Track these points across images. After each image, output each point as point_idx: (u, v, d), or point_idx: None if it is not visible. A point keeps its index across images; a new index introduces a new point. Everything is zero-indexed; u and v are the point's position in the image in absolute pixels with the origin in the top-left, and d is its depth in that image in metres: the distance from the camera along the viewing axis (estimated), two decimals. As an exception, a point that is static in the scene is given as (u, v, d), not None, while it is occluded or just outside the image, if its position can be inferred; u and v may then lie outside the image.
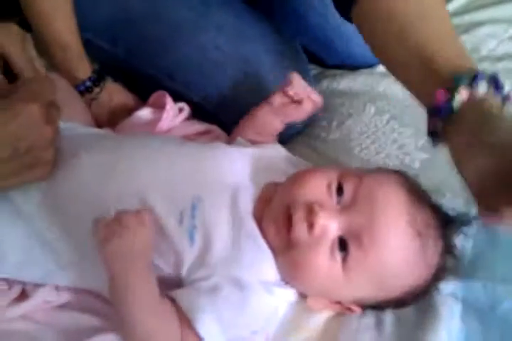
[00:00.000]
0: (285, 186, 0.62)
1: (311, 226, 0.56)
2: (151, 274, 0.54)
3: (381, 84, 0.90)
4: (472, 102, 0.50)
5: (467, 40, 0.97)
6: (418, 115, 0.76)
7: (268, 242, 0.59)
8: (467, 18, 1.02)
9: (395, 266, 0.57)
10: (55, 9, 0.77)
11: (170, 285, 0.59)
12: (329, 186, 0.59)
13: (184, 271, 0.58)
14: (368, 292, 0.59)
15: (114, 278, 0.53)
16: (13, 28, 0.68)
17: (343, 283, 0.58)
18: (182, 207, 0.59)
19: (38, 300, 0.61)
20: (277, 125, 0.74)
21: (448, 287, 0.62)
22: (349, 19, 0.68)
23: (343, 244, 0.57)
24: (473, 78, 0.50)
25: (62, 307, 0.62)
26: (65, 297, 0.62)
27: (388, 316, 0.62)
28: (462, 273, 0.64)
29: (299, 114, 0.72)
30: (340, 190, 0.59)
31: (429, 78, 0.55)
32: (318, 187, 0.59)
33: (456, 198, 0.69)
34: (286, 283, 0.60)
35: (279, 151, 0.71)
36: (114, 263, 0.53)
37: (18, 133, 0.53)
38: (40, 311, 0.61)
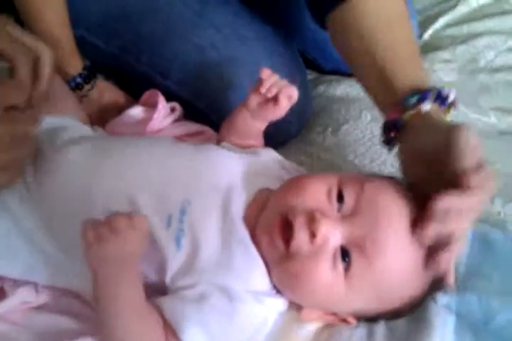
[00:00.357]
0: (281, 193, 0.59)
1: (312, 235, 0.54)
2: (138, 280, 0.52)
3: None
4: (418, 117, 0.60)
5: (465, 50, 0.97)
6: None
7: (261, 249, 0.56)
8: (466, 29, 1.02)
9: (398, 277, 0.55)
10: (46, 1, 0.75)
11: (155, 292, 0.56)
12: (329, 193, 0.57)
13: (168, 278, 0.56)
14: (369, 303, 0.57)
15: (98, 283, 0.51)
16: None
17: (345, 294, 0.55)
18: (171, 210, 0.57)
19: (15, 300, 0.58)
20: (259, 126, 0.70)
21: (443, 299, 0.61)
22: (323, 26, 0.74)
23: (344, 254, 0.55)
24: (420, 97, 0.61)
25: (40, 308, 0.59)
26: (43, 298, 0.59)
27: (380, 327, 0.60)
28: (457, 285, 0.62)
29: (276, 112, 0.67)
30: (340, 197, 0.57)
31: (387, 93, 0.65)
32: (317, 194, 0.56)
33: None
34: (277, 292, 0.58)
35: (272, 156, 0.69)
36: (100, 268, 0.50)
37: None
38: (18, 312, 0.58)
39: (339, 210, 0.56)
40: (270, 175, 0.63)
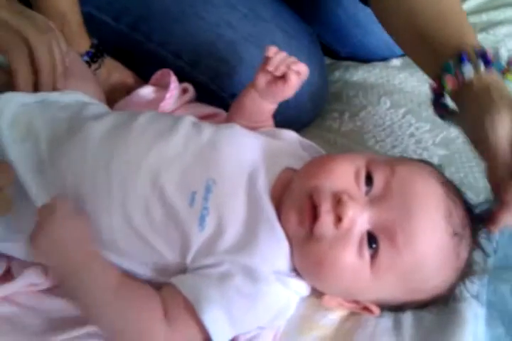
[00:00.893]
0: (306, 172, 0.56)
1: (338, 218, 0.50)
2: (99, 262, 0.50)
3: (397, 78, 0.87)
4: (463, 84, 0.56)
5: (485, 38, 0.94)
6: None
7: (285, 230, 0.53)
8: (485, 17, 0.99)
9: (429, 267, 0.52)
10: None
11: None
12: (357, 174, 0.53)
13: (190, 257, 0.52)
14: (395, 293, 0.54)
15: (63, 278, 0.50)
16: None
17: (370, 282, 0.52)
18: (195, 187, 0.53)
19: (23, 281, 0.55)
20: (268, 108, 0.66)
21: (472, 289, 0.58)
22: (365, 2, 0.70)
23: (372, 240, 0.51)
24: (458, 60, 0.56)
25: (50, 292, 0.56)
26: (52, 280, 0.56)
27: (407, 318, 0.57)
28: (488, 275, 0.59)
29: (286, 91, 0.63)
30: (369, 180, 0.53)
31: (431, 59, 0.61)
32: (345, 175, 0.53)
33: (477, 197, 0.65)
34: (297, 274, 0.55)
35: (293, 136, 0.65)
36: (54, 263, 0.50)
37: None
38: (24, 294, 0.55)
39: (367, 193, 0.53)
40: (293, 154, 0.61)
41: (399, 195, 0.52)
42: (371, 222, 0.52)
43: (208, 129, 0.59)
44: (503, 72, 0.57)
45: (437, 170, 0.58)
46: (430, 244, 0.51)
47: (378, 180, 0.53)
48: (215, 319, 0.49)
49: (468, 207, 0.57)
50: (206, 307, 0.49)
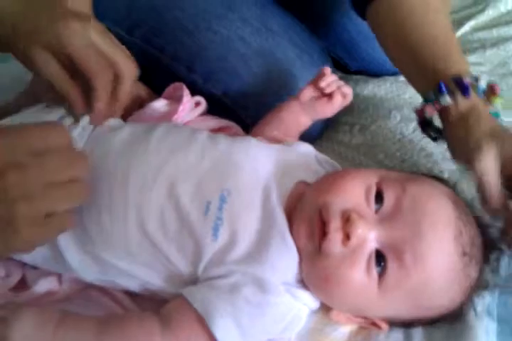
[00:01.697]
0: (318, 187, 0.57)
1: (347, 236, 0.51)
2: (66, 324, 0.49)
3: (407, 92, 0.87)
4: (445, 112, 0.61)
5: (495, 54, 0.95)
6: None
7: (296, 242, 0.54)
8: (495, 33, 1.00)
9: (437, 287, 0.52)
10: None
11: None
12: (367, 192, 0.54)
13: (201, 267, 0.53)
14: (402, 311, 0.54)
15: None
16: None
17: (377, 300, 0.52)
18: (209, 197, 0.54)
19: (40, 289, 0.55)
20: (304, 122, 0.70)
21: (483, 304, 0.58)
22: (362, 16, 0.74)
23: (380, 258, 0.52)
24: (437, 90, 0.60)
25: (65, 301, 0.57)
26: (67, 289, 0.57)
27: (417, 332, 0.57)
28: (497, 289, 0.59)
29: (329, 109, 0.69)
30: (378, 197, 0.54)
31: (417, 80, 0.67)
32: (355, 193, 0.54)
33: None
34: (303, 286, 0.55)
35: (308, 149, 0.66)
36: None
37: None
38: (43, 304, 0.56)
39: (377, 211, 0.53)
40: (307, 168, 0.61)
41: (409, 213, 0.52)
42: (380, 241, 0.52)
43: (223, 142, 0.60)
44: (487, 97, 0.61)
45: (448, 188, 0.58)
46: (439, 264, 0.51)
47: (389, 198, 0.54)
48: (226, 332, 0.49)
49: (480, 225, 0.57)
50: (217, 320, 0.49)
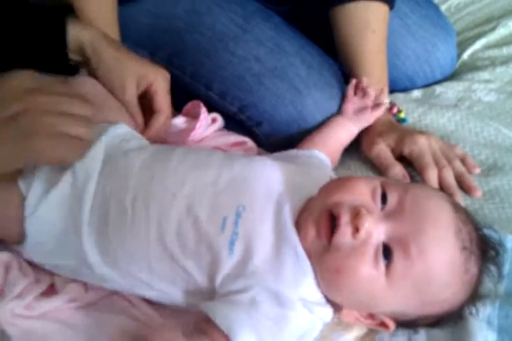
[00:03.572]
0: (327, 190, 0.60)
1: (356, 229, 0.54)
2: None
3: (415, 112, 0.89)
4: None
5: (505, 72, 0.97)
6: (461, 139, 0.76)
7: (304, 246, 0.56)
8: (505, 51, 1.02)
9: (440, 278, 0.55)
10: (98, 16, 0.78)
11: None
12: (374, 192, 0.58)
13: (219, 281, 0.56)
14: (408, 304, 0.56)
15: None
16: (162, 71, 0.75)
17: (385, 292, 0.55)
18: (226, 213, 0.57)
19: (65, 297, 0.59)
20: (354, 131, 0.80)
21: (484, 312, 0.60)
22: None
23: (387, 251, 0.55)
24: None
25: (88, 307, 0.60)
26: (92, 296, 0.60)
27: (420, 338, 0.59)
28: (498, 300, 0.61)
29: (372, 118, 0.79)
30: (383, 197, 0.57)
31: None
32: (363, 193, 0.57)
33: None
34: (327, 301, 0.58)
35: (328, 165, 0.71)
36: None
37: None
38: (66, 310, 0.59)
39: (382, 210, 0.57)
40: (319, 184, 0.63)
41: (411, 210, 0.56)
42: (386, 235, 0.55)
43: (239, 162, 0.63)
44: (393, 113, 0.85)
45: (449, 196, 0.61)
46: (441, 256, 0.55)
47: (392, 197, 0.57)
48: None
49: (477, 228, 0.60)
50: (239, 333, 0.52)
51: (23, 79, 0.53)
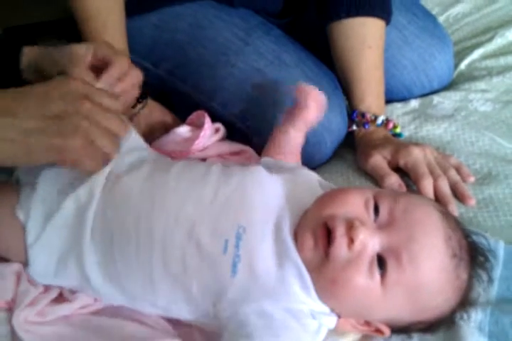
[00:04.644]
0: (321, 202, 0.62)
1: (351, 241, 0.56)
2: None
3: (412, 124, 0.91)
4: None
5: (501, 81, 0.98)
6: (457, 150, 0.78)
7: (302, 257, 0.58)
8: (502, 61, 1.03)
9: (431, 285, 0.57)
10: (106, 28, 0.80)
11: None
12: (367, 204, 0.60)
13: (224, 304, 0.58)
14: (402, 311, 0.59)
15: None
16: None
17: (381, 300, 0.57)
18: (227, 235, 0.59)
19: (76, 303, 0.61)
20: (299, 137, 0.76)
21: (475, 318, 0.62)
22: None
23: (381, 261, 0.57)
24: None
25: (100, 313, 0.62)
26: (102, 304, 0.63)
27: (413, 345, 0.61)
28: (490, 306, 0.63)
29: (309, 116, 0.75)
30: (375, 209, 0.60)
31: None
32: (356, 205, 0.60)
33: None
34: (332, 310, 0.60)
35: (311, 176, 0.72)
36: None
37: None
38: (78, 315, 0.61)
39: (375, 221, 0.59)
40: (313, 195, 0.65)
41: (402, 220, 0.59)
42: (380, 245, 0.58)
43: (236, 175, 0.65)
44: (389, 128, 0.87)
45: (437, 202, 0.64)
46: (432, 263, 0.57)
47: (384, 209, 0.60)
48: None
49: (466, 235, 0.62)
50: None
51: (79, 83, 0.56)
